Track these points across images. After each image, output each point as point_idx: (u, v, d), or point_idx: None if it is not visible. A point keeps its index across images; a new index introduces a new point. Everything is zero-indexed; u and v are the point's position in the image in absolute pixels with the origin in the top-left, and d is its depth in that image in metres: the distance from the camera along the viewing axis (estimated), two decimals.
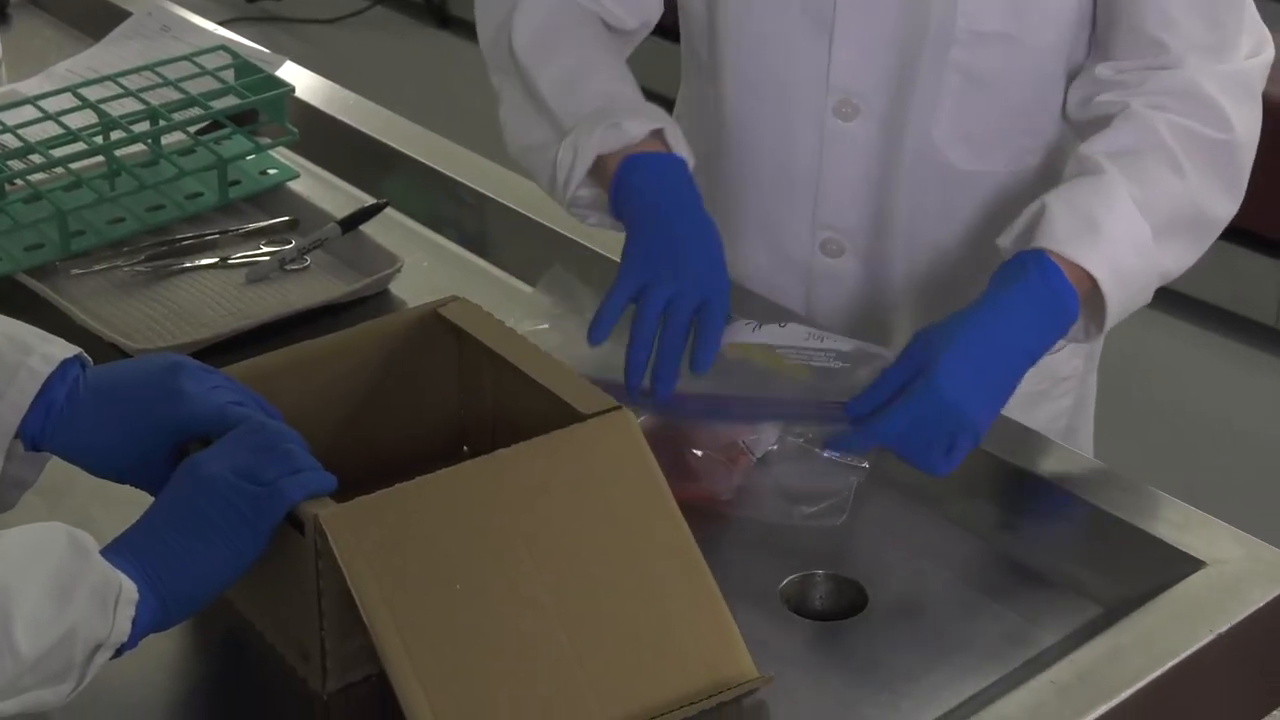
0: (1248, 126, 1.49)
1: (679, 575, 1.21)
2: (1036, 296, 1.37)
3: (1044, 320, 1.38)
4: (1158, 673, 1.21)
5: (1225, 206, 1.50)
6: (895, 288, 1.63)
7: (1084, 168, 1.45)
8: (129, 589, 1.13)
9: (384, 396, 1.40)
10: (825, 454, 1.39)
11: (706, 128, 1.65)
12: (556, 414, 1.27)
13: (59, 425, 1.25)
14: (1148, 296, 1.48)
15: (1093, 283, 1.40)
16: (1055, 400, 1.68)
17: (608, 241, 1.69)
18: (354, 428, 1.38)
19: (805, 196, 1.61)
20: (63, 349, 1.27)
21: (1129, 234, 1.42)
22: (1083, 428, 1.74)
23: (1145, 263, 1.44)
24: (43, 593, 1.08)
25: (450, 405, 1.42)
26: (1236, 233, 3.52)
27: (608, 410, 1.26)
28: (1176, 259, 1.48)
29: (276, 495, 1.17)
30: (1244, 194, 1.51)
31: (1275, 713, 1.37)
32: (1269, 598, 1.27)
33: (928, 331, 1.36)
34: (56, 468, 1.46)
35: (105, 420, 1.25)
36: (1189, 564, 1.30)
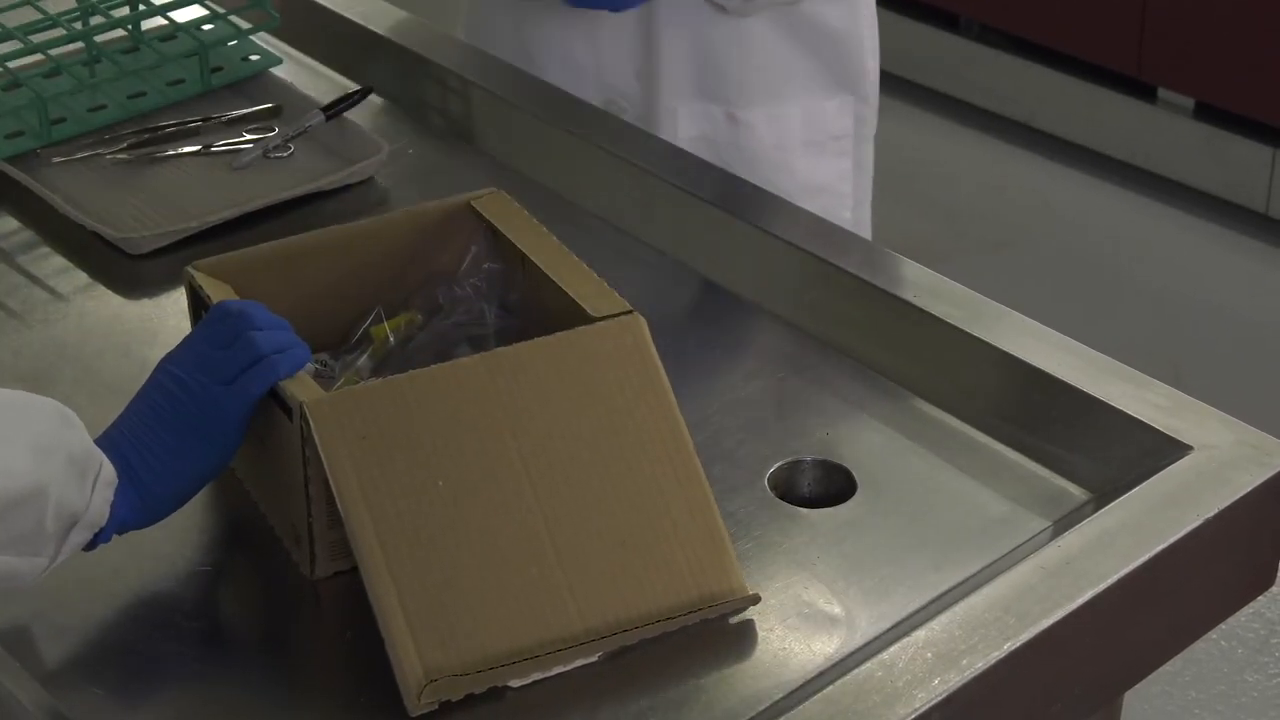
0: None
1: (675, 485, 1.20)
2: None
3: None
4: (1145, 557, 1.21)
5: None
6: None
7: None
8: (109, 471, 1.14)
9: (409, 286, 1.39)
10: None
11: None
12: (570, 315, 1.26)
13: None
14: None
15: None
16: (833, 158, 1.84)
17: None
18: (374, 318, 1.37)
19: None
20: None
21: None
22: (865, 202, 1.88)
23: None
24: (21, 444, 1.08)
25: None
26: (1228, 118, 3.54)
27: (618, 314, 1.24)
28: None
29: (241, 392, 1.19)
30: None
31: (1260, 598, 1.37)
32: (1257, 482, 1.27)
33: None
34: (40, 355, 1.45)
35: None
36: (1177, 449, 1.30)
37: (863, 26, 1.84)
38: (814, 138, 1.83)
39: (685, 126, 1.80)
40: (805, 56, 1.81)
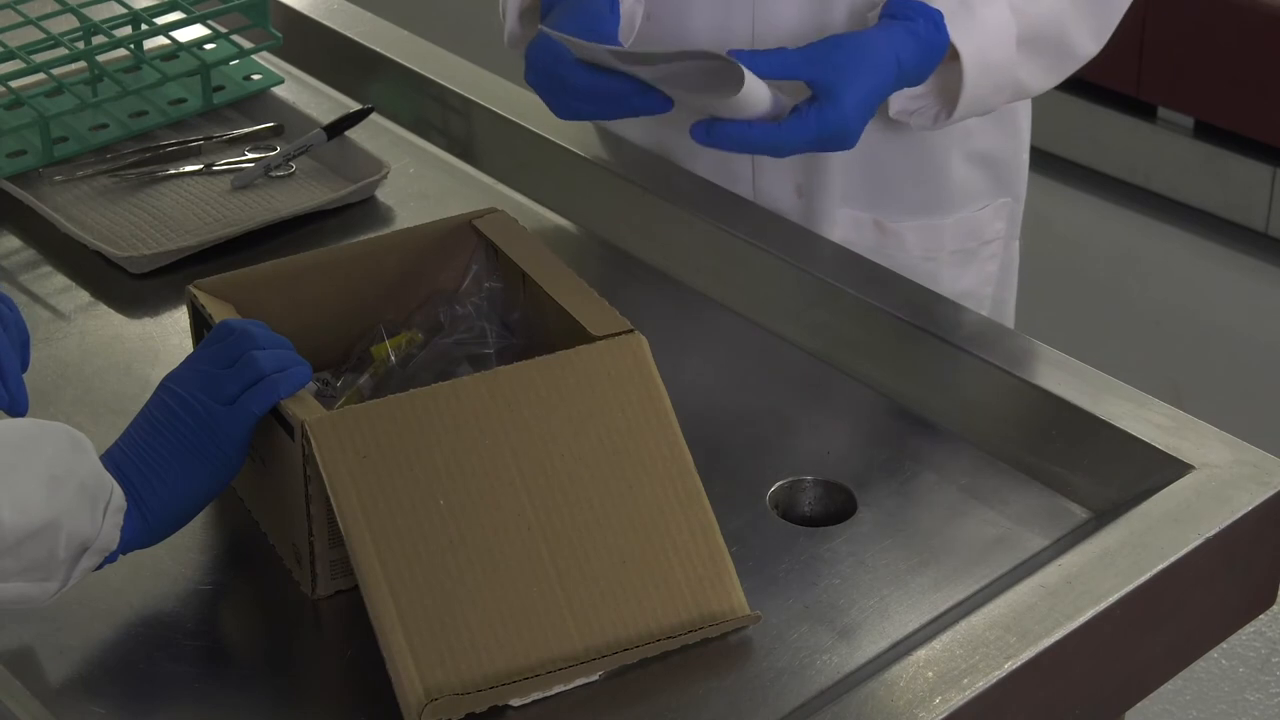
0: None
1: (676, 504, 1.20)
2: (916, 31, 1.45)
3: (920, 52, 1.46)
4: (1146, 577, 1.21)
5: (1088, 44, 1.58)
6: None
7: None
8: (119, 497, 1.15)
9: (408, 305, 1.39)
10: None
11: None
12: (571, 334, 1.26)
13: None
14: (999, 102, 1.55)
15: (952, 62, 1.47)
16: (983, 263, 1.73)
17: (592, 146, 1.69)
18: (375, 337, 1.37)
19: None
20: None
21: (998, 28, 1.49)
22: (1008, 300, 1.79)
23: (1006, 60, 1.50)
24: (34, 477, 1.09)
25: None
26: (1227, 137, 3.54)
27: (619, 333, 1.25)
28: (1033, 76, 1.55)
29: (242, 413, 1.19)
30: (1106, 41, 1.58)
31: (1262, 617, 1.37)
32: (1257, 501, 1.27)
33: (832, 51, 1.42)
34: (41, 375, 1.46)
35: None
36: (1177, 468, 1.30)
37: (1024, 125, 1.72)
38: (965, 245, 1.71)
39: (833, 232, 1.67)
40: (969, 167, 1.69)
